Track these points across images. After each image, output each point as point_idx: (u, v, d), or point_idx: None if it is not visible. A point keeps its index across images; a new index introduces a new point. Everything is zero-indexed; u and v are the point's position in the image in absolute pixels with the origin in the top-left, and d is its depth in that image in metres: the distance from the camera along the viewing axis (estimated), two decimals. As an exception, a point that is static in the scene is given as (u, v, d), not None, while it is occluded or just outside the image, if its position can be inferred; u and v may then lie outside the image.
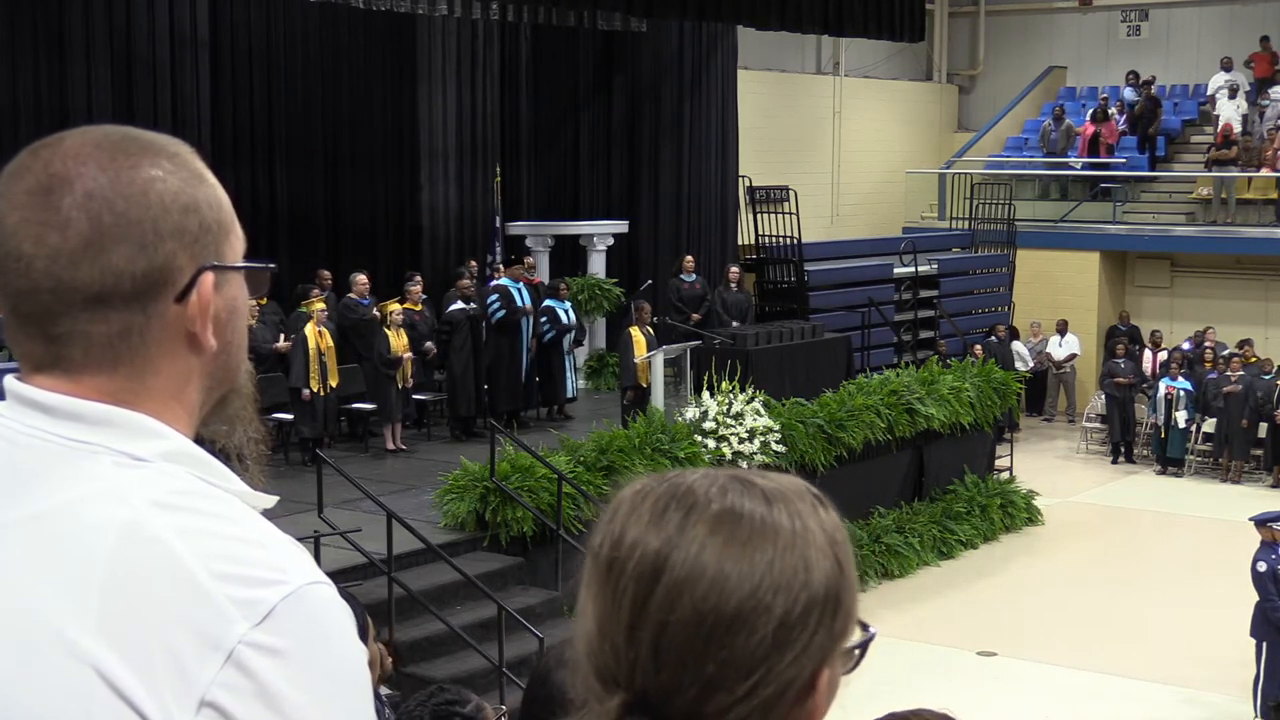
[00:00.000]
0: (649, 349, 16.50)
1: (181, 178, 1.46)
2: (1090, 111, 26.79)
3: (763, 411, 15.35)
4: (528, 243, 20.01)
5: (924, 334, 23.21)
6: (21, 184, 1.43)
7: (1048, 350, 24.82)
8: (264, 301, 13.74)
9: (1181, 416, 21.66)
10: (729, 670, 1.20)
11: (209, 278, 1.46)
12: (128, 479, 1.39)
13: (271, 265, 1.58)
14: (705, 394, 15.37)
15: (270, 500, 1.50)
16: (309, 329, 15.07)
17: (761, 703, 1.21)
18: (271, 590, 1.35)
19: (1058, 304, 24.92)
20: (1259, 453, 21.47)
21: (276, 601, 1.35)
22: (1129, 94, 27.04)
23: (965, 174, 26.18)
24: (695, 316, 18.94)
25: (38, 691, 1.32)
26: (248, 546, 1.38)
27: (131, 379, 1.44)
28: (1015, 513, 18.49)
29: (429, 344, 16.39)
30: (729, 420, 15.13)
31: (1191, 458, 21.94)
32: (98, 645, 1.32)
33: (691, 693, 1.20)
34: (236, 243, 1.52)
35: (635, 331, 16.79)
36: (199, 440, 1.51)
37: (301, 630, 1.36)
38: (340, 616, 1.40)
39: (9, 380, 1.47)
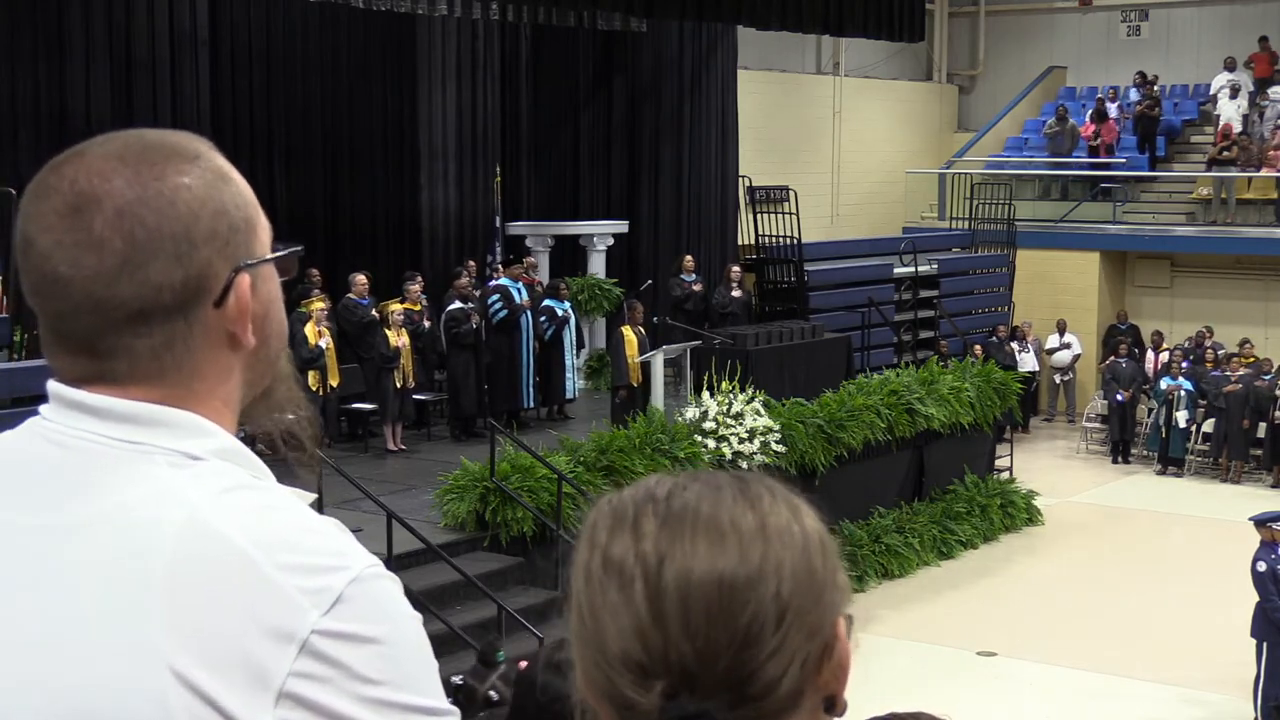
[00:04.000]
0: (641, 349, 16.52)
1: (207, 181, 1.46)
2: (1090, 111, 26.79)
3: (763, 411, 15.35)
4: (528, 243, 20.01)
5: (924, 334, 23.20)
6: (49, 204, 1.43)
7: (1046, 349, 24.84)
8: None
9: (1182, 416, 21.66)
10: (759, 621, 1.20)
11: (245, 278, 1.47)
12: (183, 478, 1.41)
13: (298, 248, 1.59)
14: (705, 394, 15.37)
15: (310, 495, 1.52)
16: (309, 329, 15.08)
17: (797, 652, 1.21)
18: (336, 577, 1.37)
19: (1058, 304, 24.92)
20: (1259, 453, 21.47)
21: (342, 587, 1.37)
22: (1135, 94, 27.02)
23: (965, 174, 26.17)
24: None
25: (115, 695, 1.33)
26: (307, 535, 1.40)
27: (179, 386, 1.45)
28: (1015, 513, 18.48)
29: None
30: (729, 420, 15.13)
31: (1191, 458, 21.94)
32: (170, 644, 1.33)
33: (729, 654, 1.19)
34: (264, 234, 1.53)
35: (627, 331, 16.81)
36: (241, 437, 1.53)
37: (370, 612, 1.38)
38: (399, 595, 1.43)
39: (54, 384, 1.47)
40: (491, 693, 4.49)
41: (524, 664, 5.11)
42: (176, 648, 1.32)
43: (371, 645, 1.37)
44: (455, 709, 1.47)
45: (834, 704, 1.26)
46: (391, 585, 1.42)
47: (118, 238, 1.41)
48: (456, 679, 4.58)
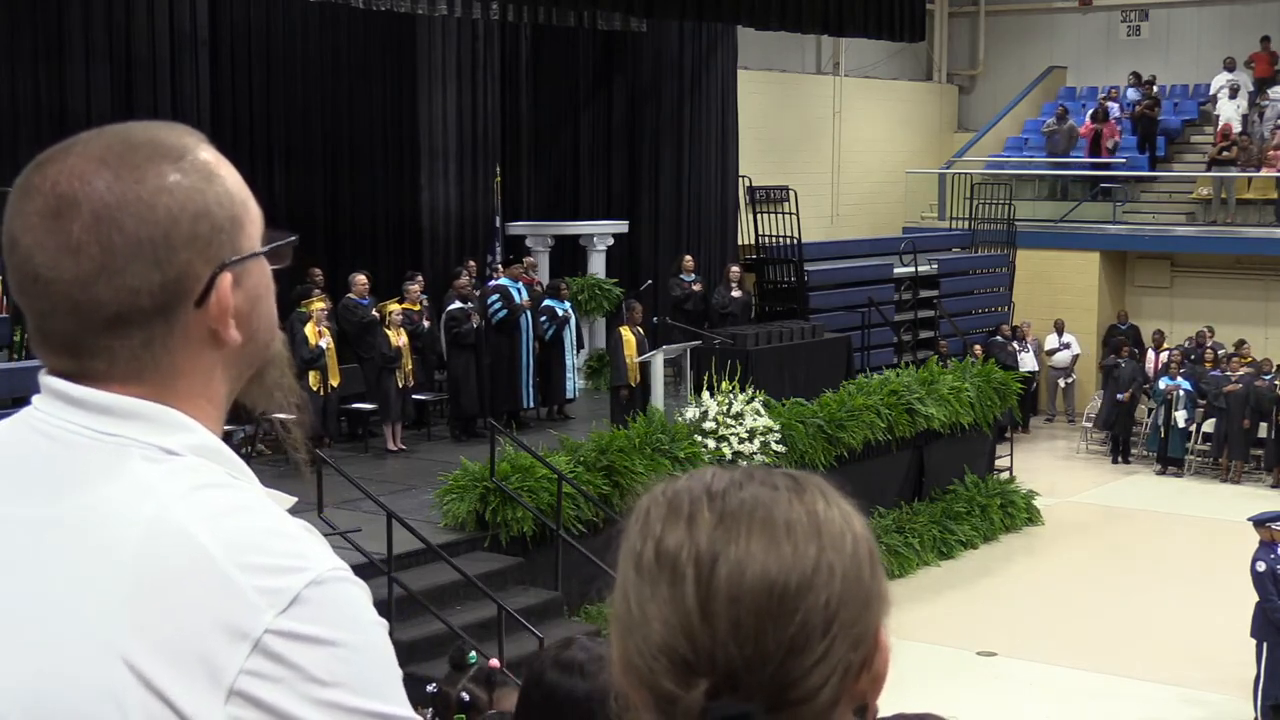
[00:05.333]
0: (640, 349, 16.52)
1: (190, 181, 1.45)
2: (1090, 111, 26.80)
3: (763, 411, 15.35)
4: (528, 243, 20.01)
5: (924, 334, 23.21)
6: (31, 205, 1.44)
7: (1046, 350, 24.85)
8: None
9: (1181, 416, 21.66)
10: (807, 630, 1.20)
11: (226, 278, 1.47)
12: (156, 473, 1.41)
13: (289, 239, 1.58)
14: (705, 394, 15.38)
15: (289, 500, 1.52)
16: (309, 329, 15.07)
17: (840, 661, 1.21)
18: (295, 578, 1.37)
19: (1058, 304, 24.93)
20: (1259, 453, 21.46)
21: (300, 588, 1.37)
22: (1131, 94, 27.04)
23: (965, 174, 26.18)
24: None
25: (71, 686, 1.34)
26: (271, 536, 1.40)
27: (159, 385, 1.46)
28: (1015, 513, 18.49)
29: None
30: (729, 420, 15.13)
31: (1191, 458, 21.94)
32: (128, 638, 1.33)
33: (776, 660, 1.19)
34: (253, 227, 1.52)
35: (626, 331, 16.81)
36: (226, 435, 1.53)
37: (327, 614, 1.38)
38: (361, 598, 1.43)
39: (43, 376, 1.48)
40: (464, 694, 4.56)
41: (494, 662, 5.19)
42: (133, 641, 1.33)
43: (326, 647, 1.36)
44: (417, 717, 1.46)
45: (864, 712, 1.26)
46: (354, 589, 1.42)
47: (94, 243, 1.41)
48: (430, 687, 4.64)
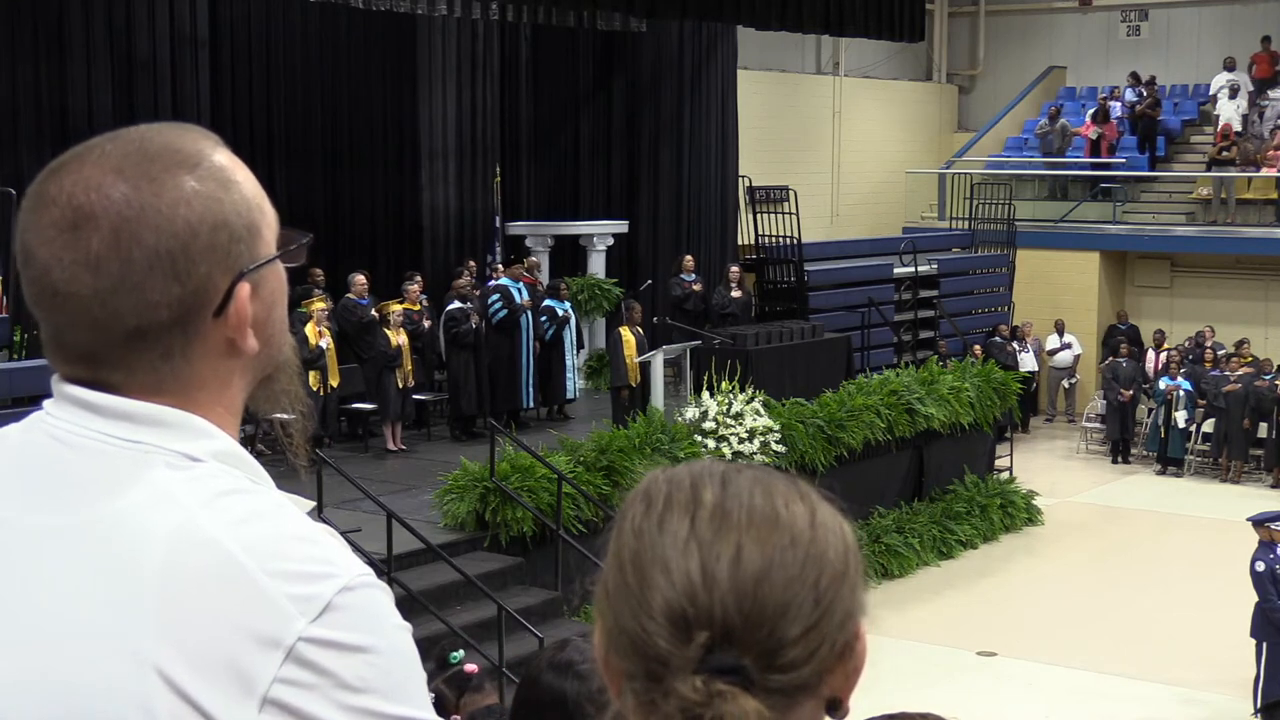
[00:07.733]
0: (639, 349, 16.53)
1: (208, 190, 1.44)
2: (1091, 112, 26.80)
3: (763, 411, 15.35)
4: (528, 243, 20.02)
5: (924, 334, 23.21)
6: (47, 216, 1.42)
7: (1047, 350, 24.86)
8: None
9: (1181, 416, 21.66)
10: (801, 597, 1.23)
11: (245, 287, 1.45)
12: (180, 481, 1.40)
13: (305, 239, 1.56)
14: (705, 394, 15.38)
15: (307, 504, 1.52)
16: (309, 329, 15.08)
17: (827, 635, 1.24)
18: (326, 585, 1.37)
19: (1058, 304, 24.93)
20: (1259, 453, 21.46)
21: (331, 595, 1.37)
22: (1129, 95, 27.06)
23: (965, 174, 26.18)
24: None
25: (101, 695, 1.33)
26: (298, 543, 1.40)
27: (178, 394, 1.45)
28: (1015, 513, 18.49)
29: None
30: (729, 420, 15.14)
31: (1191, 458, 21.94)
32: (157, 647, 1.33)
33: (772, 621, 1.21)
34: (269, 231, 1.50)
35: (625, 331, 16.82)
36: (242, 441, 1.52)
37: (359, 621, 1.38)
38: (388, 604, 1.44)
39: (58, 382, 1.47)
40: (431, 693, 4.60)
41: (472, 667, 5.17)
42: (163, 651, 1.33)
43: (359, 654, 1.37)
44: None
45: (838, 706, 1.28)
46: (381, 595, 1.42)
47: (114, 258, 1.39)
48: None
